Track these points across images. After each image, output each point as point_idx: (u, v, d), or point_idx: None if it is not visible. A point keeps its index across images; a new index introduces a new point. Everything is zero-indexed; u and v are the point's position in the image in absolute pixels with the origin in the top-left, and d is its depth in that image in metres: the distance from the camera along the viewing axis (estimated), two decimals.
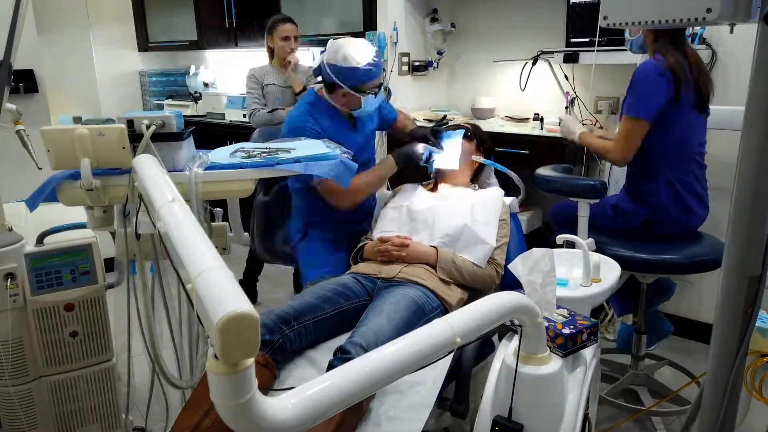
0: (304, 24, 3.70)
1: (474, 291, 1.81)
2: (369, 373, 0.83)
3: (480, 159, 2.11)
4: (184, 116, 1.83)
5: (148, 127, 1.50)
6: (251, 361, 0.70)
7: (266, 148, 1.71)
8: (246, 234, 1.98)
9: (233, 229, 1.90)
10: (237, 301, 0.69)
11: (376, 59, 1.95)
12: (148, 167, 1.34)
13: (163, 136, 1.53)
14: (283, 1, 3.71)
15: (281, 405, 0.74)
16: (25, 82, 3.15)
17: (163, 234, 1.03)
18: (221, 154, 1.70)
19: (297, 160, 1.62)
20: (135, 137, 1.51)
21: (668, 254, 1.92)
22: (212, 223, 1.80)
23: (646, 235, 2.00)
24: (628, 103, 1.90)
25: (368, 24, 3.24)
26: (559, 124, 2.35)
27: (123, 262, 1.70)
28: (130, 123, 1.50)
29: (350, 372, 0.82)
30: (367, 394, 0.84)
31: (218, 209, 1.82)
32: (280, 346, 1.46)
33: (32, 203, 1.58)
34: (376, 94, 2.00)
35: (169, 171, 1.49)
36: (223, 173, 1.58)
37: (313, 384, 0.79)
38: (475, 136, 2.13)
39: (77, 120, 3.55)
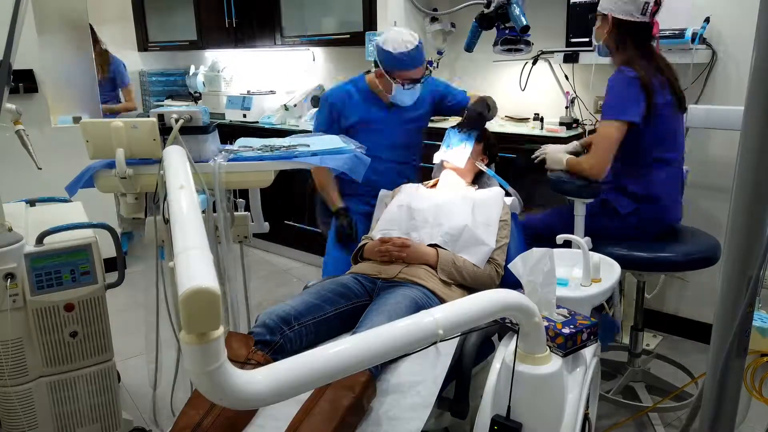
0: (304, 24, 3.71)
1: (474, 291, 1.80)
2: (345, 355, 0.85)
3: (482, 167, 2.12)
4: None
5: (177, 121, 1.60)
6: (218, 333, 0.75)
7: (288, 144, 1.81)
8: (267, 224, 2.03)
9: (254, 219, 1.98)
10: (202, 278, 0.74)
11: (412, 52, 2.06)
12: (173, 157, 1.44)
13: (190, 129, 1.64)
14: (283, 1, 3.72)
15: (251, 376, 0.78)
16: (25, 82, 3.15)
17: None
18: (251, 142, 1.85)
19: (314, 154, 1.71)
20: (164, 130, 1.62)
21: (665, 252, 1.93)
22: (235, 213, 1.86)
23: (634, 233, 1.98)
24: (604, 110, 1.92)
25: (368, 24, 3.23)
26: (535, 159, 2.22)
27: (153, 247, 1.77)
28: (160, 117, 1.61)
29: (327, 352, 0.85)
30: (342, 375, 0.86)
31: (241, 200, 1.93)
32: (281, 347, 1.46)
33: (71, 189, 1.70)
34: (404, 85, 2.12)
35: (196, 162, 1.62)
36: (245, 164, 1.68)
37: (288, 360, 0.83)
38: (483, 139, 2.15)
39: (77, 120, 3.55)
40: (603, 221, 2.02)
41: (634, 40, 1.92)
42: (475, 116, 2.13)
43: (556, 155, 2.10)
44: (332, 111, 2.24)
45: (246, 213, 1.92)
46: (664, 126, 1.92)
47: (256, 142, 1.85)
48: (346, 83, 2.32)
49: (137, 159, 1.61)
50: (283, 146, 1.78)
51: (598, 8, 1.98)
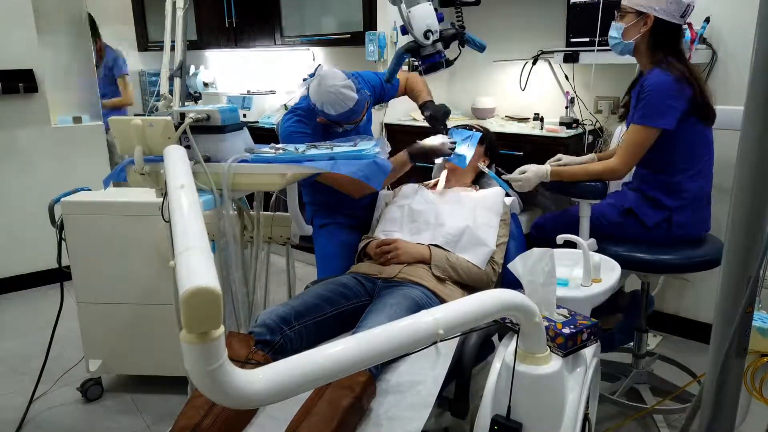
0: (304, 24, 3.71)
1: (475, 291, 1.80)
2: (345, 355, 0.85)
3: (484, 168, 2.12)
4: None
5: (195, 120, 1.62)
6: (219, 332, 0.74)
7: (327, 145, 1.78)
8: (309, 226, 2.01)
9: (293, 220, 1.99)
10: (203, 277, 0.74)
11: (354, 107, 1.89)
12: (173, 156, 1.46)
13: (206, 129, 1.65)
14: (283, 1, 3.72)
15: (251, 376, 0.78)
16: (25, 82, 3.15)
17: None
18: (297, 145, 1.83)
19: (331, 158, 1.67)
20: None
21: (667, 254, 1.92)
22: (275, 213, 1.85)
23: (661, 240, 1.95)
24: (640, 114, 1.85)
25: (368, 24, 3.23)
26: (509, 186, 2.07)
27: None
28: (182, 116, 1.63)
29: (327, 352, 0.84)
30: (342, 375, 0.86)
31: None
32: (281, 347, 1.46)
33: (106, 182, 1.82)
34: (351, 130, 2.03)
35: (212, 161, 1.65)
36: (253, 167, 1.67)
37: (288, 360, 0.82)
38: (486, 140, 2.15)
39: (77, 120, 3.55)
40: (629, 231, 1.98)
41: (671, 43, 1.88)
42: (442, 116, 2.10)
43: (537, 169, 1.99)
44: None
45: (286, 214, 1.91)
46: (696, 135, 1.87)
47: (300, 146, 1.81)
48: (294, 117, 2.07)
49: (155, 156, 1.64)
50: (313, 147, 1.74)
51: (631, 4, 1.88)
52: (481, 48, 1.77)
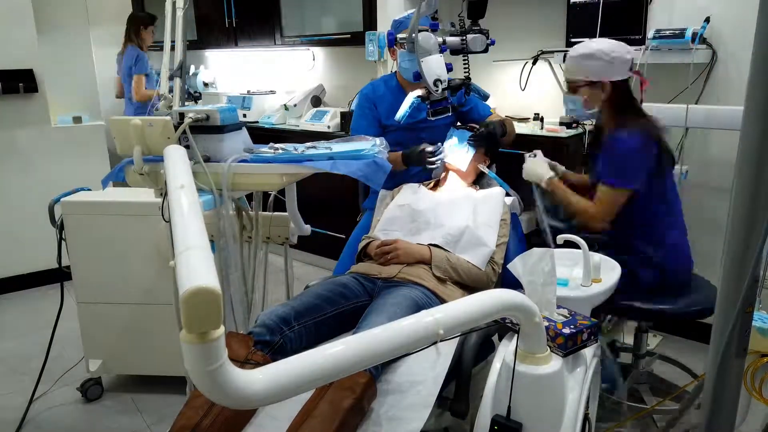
0: (304, 24, 3.71)
1: (474, 291, 1.80)
2: (345, 355, 0.85)
3: (484, 169, 2.12)
4: None
5: (195, 120, 1.63)
6: (219, 332, 0.74)
7: (313, 145, 1.79)
8: (308, 226, 2.01)
9: (292, 221, 1.98)
10: (203, 277, 0.74)
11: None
12: (173, 156, 1.46)
13: (205, 129, 1.65)
14: (283, 1, 3.72)
15: (251, 376, 0.78)
16: (25, 82, 3.15)
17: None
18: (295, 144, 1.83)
19: (330, 157, 1.66)
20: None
21: (663, 304, 1.88)
22: (274, 213, 1.90)
23: (659, 290, 1.91)
24: (613, 176, 1.84)
25: (368, 24, 3.24)
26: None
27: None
28: (182, 116, 1.63)
29: (327, 352, 0.84)
30: (342, 375, 0.87)
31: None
32: (281, 347, 1.46)
33: (104, 182, 1.83)
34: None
35: (211, 161, 1.65)
36: (252, 167, 1.67)
37: (288, 360, 0.83)
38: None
39: (77, 120, 3.56)
40: (635, 294, 1.92)
41: (629, 97, 1.90)
42: (487, 135, 2.09)
43: (539, 169, 2.02)
44: (367, 102, 2.26)
45: (285, 214, 1.91)
46: (668, 183, 1.90)
47: (299, 146, 1.80)
48: (374, 82, 2.36)
49: (155, 156, 1.63)
50: (310, 147, 1.74)
51: (583, 77, 1.88)
52: (484, 97, 2.04)
